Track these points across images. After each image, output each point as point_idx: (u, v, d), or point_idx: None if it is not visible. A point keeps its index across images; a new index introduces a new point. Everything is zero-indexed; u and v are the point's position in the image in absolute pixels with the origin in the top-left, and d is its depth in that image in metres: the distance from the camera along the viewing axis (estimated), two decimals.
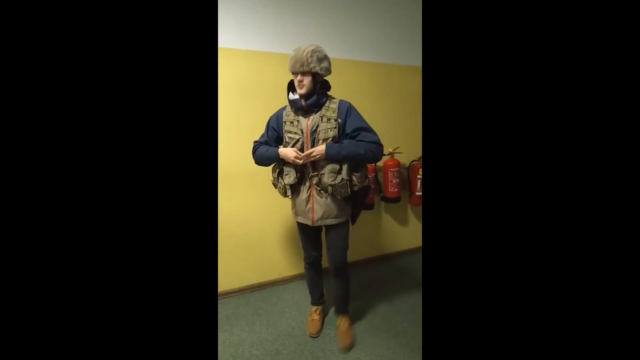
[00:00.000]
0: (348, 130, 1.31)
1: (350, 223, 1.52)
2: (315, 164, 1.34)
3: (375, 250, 2.51)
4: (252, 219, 2.03)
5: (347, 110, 1.33)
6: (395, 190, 2.31)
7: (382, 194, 2.37)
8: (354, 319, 1.73)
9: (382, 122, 2.32)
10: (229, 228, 1.97)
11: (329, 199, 1.38)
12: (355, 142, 1.29)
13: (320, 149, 1.28)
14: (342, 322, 1.62)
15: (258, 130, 1.52)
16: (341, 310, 1.65)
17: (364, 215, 2.38)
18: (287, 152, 1.32)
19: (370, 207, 2.29)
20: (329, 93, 1.38)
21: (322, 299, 1.76)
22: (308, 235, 1.56)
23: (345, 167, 1.30)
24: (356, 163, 1.33)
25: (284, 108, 1.42)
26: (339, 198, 1.37)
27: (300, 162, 1.30)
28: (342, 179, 1.30)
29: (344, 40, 2.19)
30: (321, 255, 1.63)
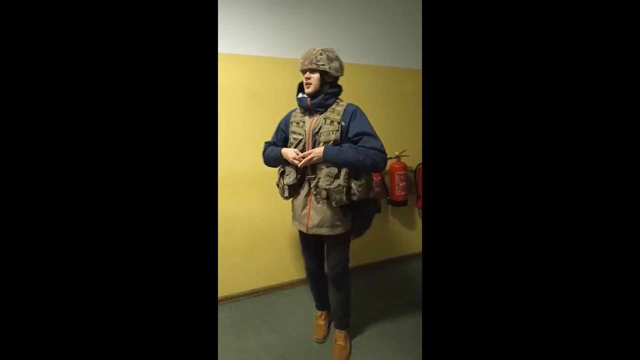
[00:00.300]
0: (350, 134, 1.26)
1: (351, 236, 1.43)
2: (315, 167, 1.30)
3: (382, 254, 2.49)
4: (260, 222, 2.03)
5: (352, 114, 1.27)
6: (402, 193, 2.29)
7: (388, 197, 2.35)
8: (360, 324, 1.72)
9: (388, 125, 2.31)
10: (235, 231, 1.97)
11: (325, 206, 1.31)
12: (355, 147, 1.23)
13: (318, 151, 1.25)
14: (339, 337, 1.55)
15: (268, 134, 1.53)
16: (339, 325, 1.57)
17: None
18: (288, 152, 1.31)
19: (377, 210, 2.28)
20: (340, 97, 1.36)
21: (328, 304, 1.72)
22: (306, 243, 1.51)
23: (343, 172, 1.25)
24: (355, 169, 1.26)
25: (295, 110, 1.42)
26: (334, 205, 1.28)
27: (298, 163, 1.28)
28: (339, 184, 1.24)
29: (351, 44, 2.19)
30: (322, 265, 1.56)
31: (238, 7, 1.85)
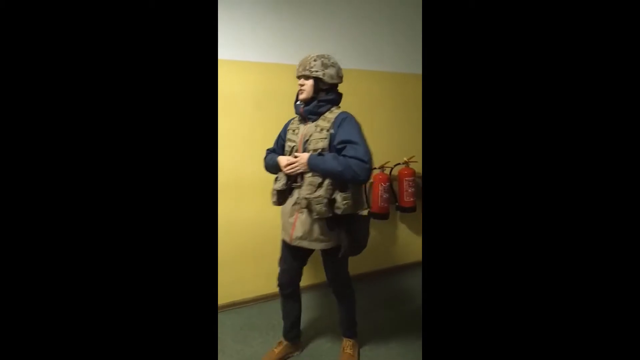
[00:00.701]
0: (335, 142, 1.20)
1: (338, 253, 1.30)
2: (302, 174, 1.26)
3: (390, 260, 2.46)
4: (268, 227, 2.03)
5: (340, 121, 1.22)
6: (411, 199, 2.27)
7: (397, 204, 2.34)
8: (368, 331, 1.69)
9: (397, 131, 2.30)
10: (244, 237, 1.98)
11: (310, 218, 1.24)
12: (337, 157, 1.16)
13: (303, 159, 1.21)
14: (347, 345, 1.52)
15: (272, 140, 1.53)
16: (346, 333, 1.54)
17: (379, 225, 2.36)
18: (282, 159, 1.30)
19: (386, 216, 2.26)
20: (339, 105, 1.33)
21: (292, 336, 1.54)
22: (286, 254, 1.43)
23: (326, 182, 1.19)
24: (335, 180, 1.19)
25: (295, 117, 1.41)
26: (315, 217, 1.20)
27: (286, 171, 1.26)
28: (320, 195, 1.18)
29: (359, 50, 2.20)
30: (297, 281, 1.48)
31: (241, 13, 1.87)
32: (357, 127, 1.23)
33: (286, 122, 1.46)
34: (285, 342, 1.55)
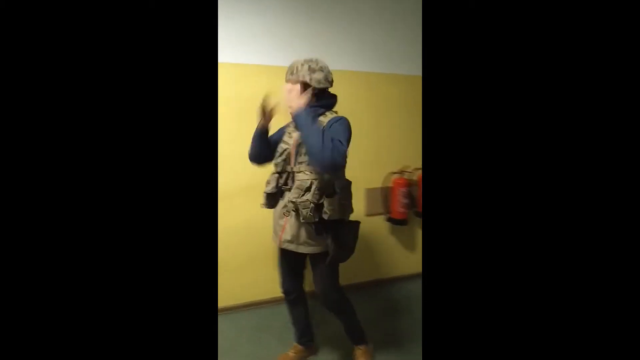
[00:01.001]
0: None
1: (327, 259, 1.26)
2: (293, 178, 1.26)
3: (409, 267, 2.41)
4: None
5: (332, 123, 1.21)
6: None
7: (415, 209, 2.29)
8: (377, 340, 1.66)
9: (414, 135, 2.27)
10: (259, 238, 2.00)
11: (299, 221, 1.23)
12: (326, 135, 1.09)
13: (296, 103, 1.16)
14: (359, 353, 1.50)
15: None
16: (356, 341, 1.51)
17: (398, 231, 2.33)
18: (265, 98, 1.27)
19: (404, 222, 2.22)
20: (334, 110, 1.31)
21: (305, 340, 1.55)
22: (281, 260, 1.43)
23: (314, 187, 1.19)
24: (310, 154, 1.12)
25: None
26: (302, 221, 1.20)
27: (264, 118, 1.26)
28: (307, 199, 1.18)
29: (367, 52, 2.17)
30: (297, 286, 1.47)
31: (241, 16, 1.89)
32: (348, 130, 1.20)
33: (284, 124, 1.44)
34: (298, 347, 1.55)
